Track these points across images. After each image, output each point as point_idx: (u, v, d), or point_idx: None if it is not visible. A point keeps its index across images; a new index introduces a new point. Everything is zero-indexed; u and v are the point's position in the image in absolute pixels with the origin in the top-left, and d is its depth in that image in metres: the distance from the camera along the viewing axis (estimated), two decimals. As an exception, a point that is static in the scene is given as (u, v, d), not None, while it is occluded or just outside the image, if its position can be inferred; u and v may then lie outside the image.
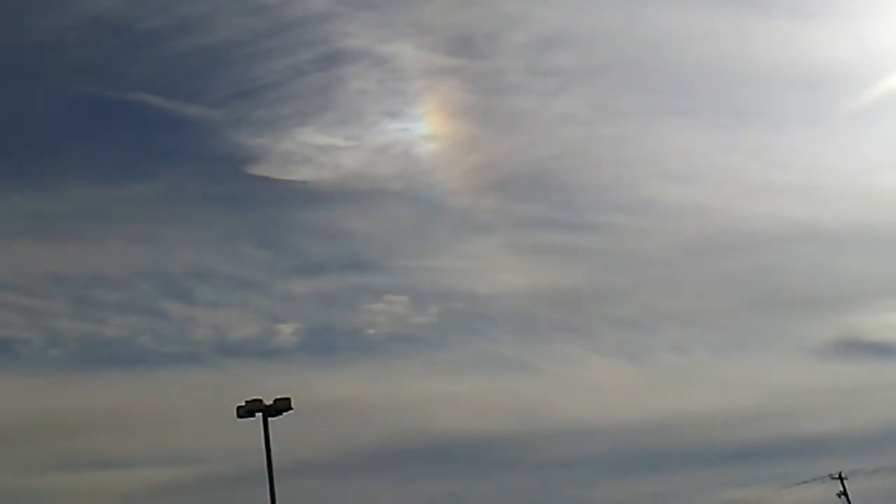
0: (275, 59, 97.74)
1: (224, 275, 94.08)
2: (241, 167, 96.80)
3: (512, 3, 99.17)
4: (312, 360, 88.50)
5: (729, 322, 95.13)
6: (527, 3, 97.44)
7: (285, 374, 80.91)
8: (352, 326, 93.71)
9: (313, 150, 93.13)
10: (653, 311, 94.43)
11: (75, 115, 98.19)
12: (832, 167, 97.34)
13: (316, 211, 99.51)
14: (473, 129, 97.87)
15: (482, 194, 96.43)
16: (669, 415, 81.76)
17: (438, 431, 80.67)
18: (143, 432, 74.13)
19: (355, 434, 77.06)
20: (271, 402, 33.07)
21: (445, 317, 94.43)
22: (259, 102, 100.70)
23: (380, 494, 73.82)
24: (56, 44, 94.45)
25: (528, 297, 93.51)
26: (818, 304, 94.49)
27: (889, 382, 79.36)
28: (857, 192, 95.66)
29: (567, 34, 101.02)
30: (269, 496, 32.24)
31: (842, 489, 68.84)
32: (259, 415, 32.98)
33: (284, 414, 33.17)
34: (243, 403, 33.09)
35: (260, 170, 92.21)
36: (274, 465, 32.60)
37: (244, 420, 33.12)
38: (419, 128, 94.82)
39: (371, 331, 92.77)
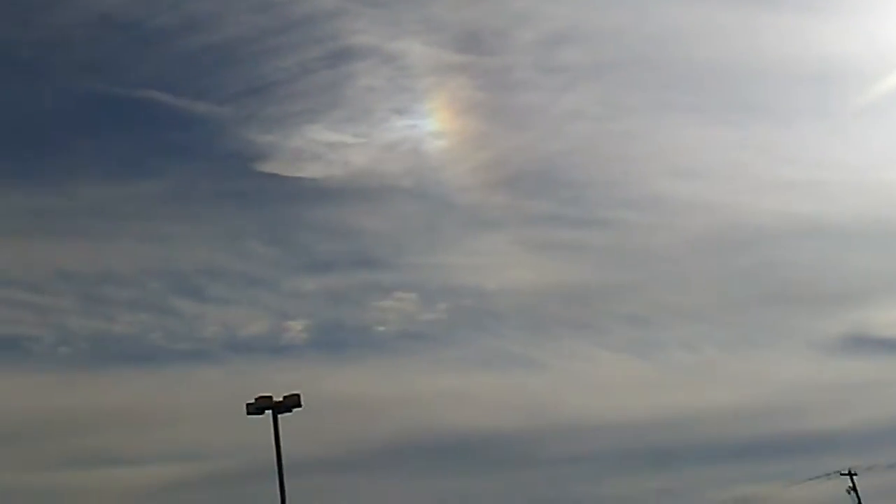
0: (283, 57, 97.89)
1: (233, 272, 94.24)
2: (250, 164, 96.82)
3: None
4: (322, 356, 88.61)
5: (738, 318, 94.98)
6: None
7: (295, 370, 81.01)
8: (361, 323, 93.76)
9: (322, 147, 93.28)
10: (661, 308, 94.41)
11: (84, 112, 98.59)
12: (841, 162, 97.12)
13: (325, 208, 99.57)
14: (482, 125, 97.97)
15: (491, 191, 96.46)
16: (678, 411, 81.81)
17: (447, 428, 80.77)
18: (153, 429, 74.39)
19: (365, 431, 77.19)
20: (281, 399, 33.16)
21: (454, 313, 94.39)
22: (268, 100, 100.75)
23: (389, 491, 73.97)
24: (64, 41, 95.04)
25: (536, 293, 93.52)
26: (827, 300, 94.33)
27: (899, 378, 79.40)
28: (866, 188, 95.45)
29: (575, 31, 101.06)
30: (278, 493, 32.34)
31: (851, 485, 68.72)
32: (269, 412, 33.10)
33: (294, 411, 33.28)
34: (253, 400, 33.19)
35: (269, 167, 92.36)
36: (283, 462, 32.72)
37: (254, 417, 33.24)
38: (428, 125, 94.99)
39: (380, 328, 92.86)
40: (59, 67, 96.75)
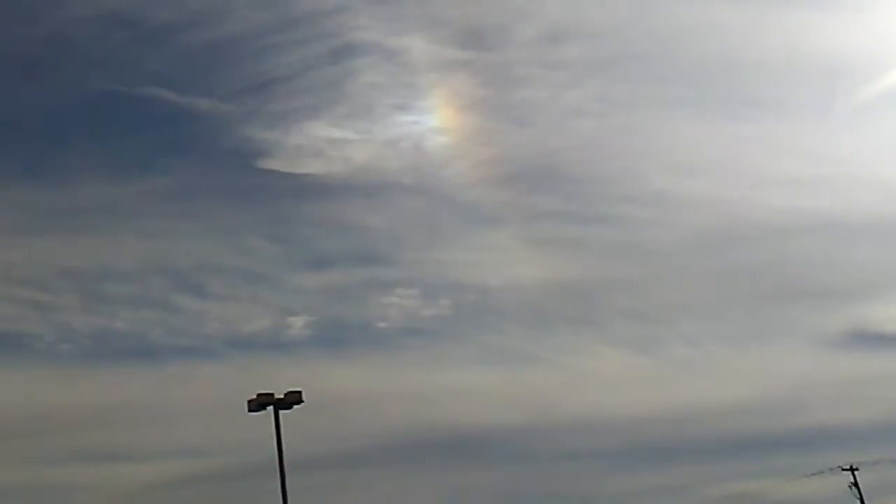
0: (286, 53, 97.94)
1: (235, 268, 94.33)
2: (252, 161, 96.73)
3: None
4: (323, 353, 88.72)
5: (739, 313, 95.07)
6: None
7: (296, 367, 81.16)
8: (363, 319, 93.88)
9: (324, 143, 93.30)
10: (663, 303, 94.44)
11: (86, 109, 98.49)
12: (844, 158, 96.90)
13: (327, 204, 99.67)
14: (484, 121, 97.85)
15: (492, 187, 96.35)
16: (680, 407, 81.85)
17: (449, 424, 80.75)
18: (155, 426, 74.38)
19: (366, 427, 77.17)
20: (282, 396, 33.11)
21: (456, 309, 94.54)
22: (270, 96, 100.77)
23: (391, 487, 74.06)
24: (67, 38, 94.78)
25: (538, 289, 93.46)
26: (829, 295, 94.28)
27: (900, 374, 79.38)
28: (870, 183, 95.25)
29: (577, 27, 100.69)
30: (280, 490, 32.35)
31: (853, 480, 68.78)
32: (270, 408, 33.03)
33: (295, 407, 33.21)
34: (254, 397, 33.14)
35: (271, 163, 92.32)
36: (285, 459, 32.69)
37: (255, 413, 33.17)
38: (430, 121, 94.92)
39: (382, 324, 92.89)
40: (62, 64, 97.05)
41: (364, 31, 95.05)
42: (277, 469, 32.55)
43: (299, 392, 33.24)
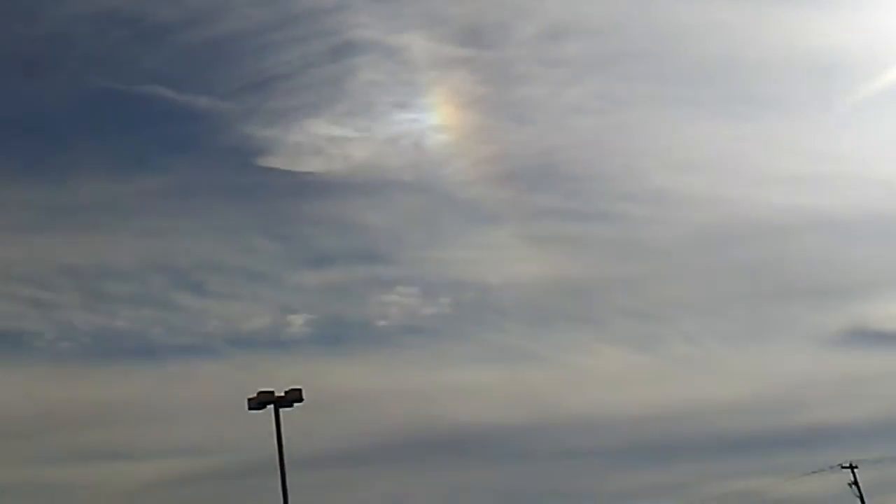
0: (285, 51, 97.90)
1: (235, 267, 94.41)
2: (252, 159, 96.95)
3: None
4: (324, 351, 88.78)
5: (739, 311, 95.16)
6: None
7: (296, 365, 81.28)
8: (363, 318, 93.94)
9: (324, 141, 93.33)
10: (663, 301, 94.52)
11: (86, 107, 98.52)
12: (843, 156, 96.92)
13: (326, 202, 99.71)
14: (484, 119, 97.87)
15: (492, 185, 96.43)
16: (680, 404, 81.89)
17: (449, 422, 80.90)
18: (155, 424, 74.46)
19: (366, 425, 77.24)
20: (283, 394, 33.13)
21: (456, 307, 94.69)
22: (270, 94, 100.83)
23: (391, 485, 74.16)
24: (67, 36, 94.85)
25: (538, 287, 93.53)
26: (828, 293, 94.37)
27: (900, 371, 79.35)
28: (869, 181, 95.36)
29: (577, 24, 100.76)
30: (280, 488, 32.37)
31: (853, 478, 68.78)
32: (270, 406, 33.05)
33: (296, 405, 33.22)
34: (255, 395, 33.16)
35: (271, 161, 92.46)
36: (285, 457, 32.69)
37: (256, 411, 33.21)
38: (429, 118, 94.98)
39: (382, 322, 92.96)
40: (62, 62, 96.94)
41: (364, 28, 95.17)
42: (278, 467, 32.56)
43: (300, 390, 33.25)
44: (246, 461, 64.90)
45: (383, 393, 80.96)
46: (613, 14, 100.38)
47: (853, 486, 68.66)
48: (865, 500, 68.26)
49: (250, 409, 33.25)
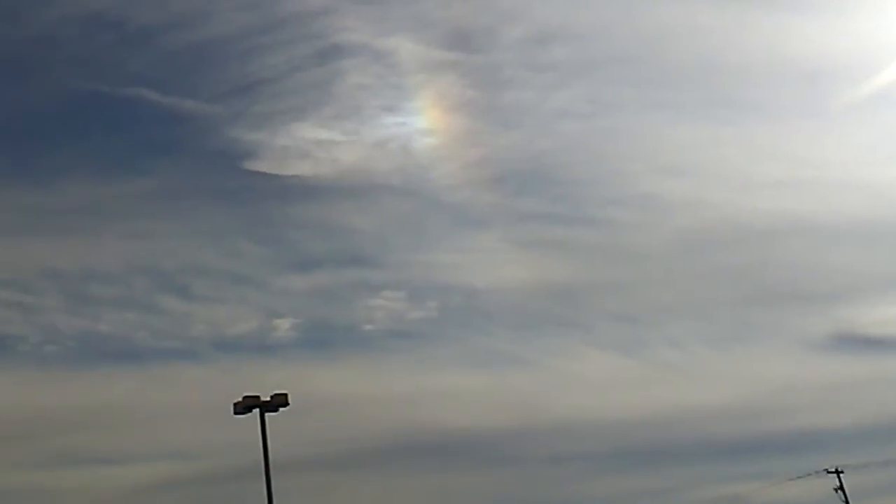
0: (272, 54, 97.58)
1: (221, 270, 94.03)
2: (239, 162, 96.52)
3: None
4: (310, 355, 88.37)
5: (725, 316, 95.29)
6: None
7: (282, 369, 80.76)
8: (349, 322, 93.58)
9: (311, 144, 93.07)
10: (649, 306, 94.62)
11: (71, 110, 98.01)
12: (828, 161, 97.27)
13: (313, 206, 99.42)
14: (471, 123, 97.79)
15: (480, 189, 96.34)
16: (666, 409, 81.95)
17: (436, 426, 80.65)
18: (140, 428, 74.04)
19: (353, 429, 76.95)
20: (268, 398, 33.02)
21: (443, 312, 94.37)
22: (256, 97, 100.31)
23: (377, 490, 73.98)
24: (52, 39, 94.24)
25: (525, 291, 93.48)
26: (814, 298, 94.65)
27: (886, 376, 79.57)
28: (855, 186, 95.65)
29: (564, 28, 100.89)
30: (265, 492, 32.22)
31: (839, 484, 68.96)
32: (256, 410, 32.92)
33: (281, 410, 33.13)
34: (240, 399, 33.04)
35: (257, 165, 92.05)
36: (271, 461, 32.56)
37: (241, 416, 33.09)
38: (417, 122, 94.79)
39: (368, 326, 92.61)
40: (47, 65, 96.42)
41: (351, 32, 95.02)
42: (263, 472, 32.44)
43: (285, 394, 33.15)
44: (231, 466, 64.62)
45: (369, 397, 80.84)
46: (600, 18, 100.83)
47: (839, 490, 68.88)
48: (851, 505, 68.57)
49: (236, 413, 33.13)
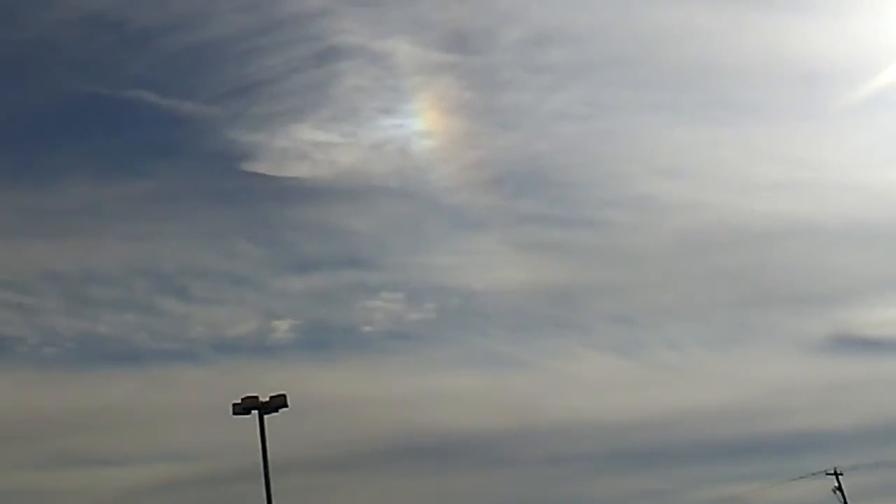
0: (270, 56, 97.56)
1: (219, 272, 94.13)
2: (237, 164, 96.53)
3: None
4: (308, 357, 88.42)
5: (723, 318, 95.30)
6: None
7: (281, 371, 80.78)
8: (347, 323, 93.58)
9: (309, 146, 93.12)
10: (648, 307, 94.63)
11: (71, 111, 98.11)
12: (826, 163, 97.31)
13: (311, 208, 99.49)
14: (469, 125, 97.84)
15: (477, 191, 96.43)
16: (664, 410, 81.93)
17: (434, 428, 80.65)
18: (139, 430, 74.07)
19: (351, 431, 77.05)
20: (267, 399, 33.06)
21: (441, 313, 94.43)
22: (254, 99, 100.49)
23: (376, 491, 74.03)
24: (52, 40, 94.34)
25: (523, 292, 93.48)
26: (812, 300, 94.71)
27: (883, 378, 79.61)
28: (852, 188, 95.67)
29: (562, 30, 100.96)
30: (264, 493, 32.26)
31: (837, 485, 69.01)
32: (255, 412, 32.97)
33: (280, 411, 33.16)
34: (239, 400, 33.08)
35: (255, 167, 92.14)
36: (270, 462, 32.62)
37: (240, 417, 33.13)
38: (415, 124, 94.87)
39: (367, 327, 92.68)
40: (46, 67, 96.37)
41: (348, 34, 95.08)
42: (262, 473, 32.49)
43: (284, 396, 33.18)
44: (230, 467, 64.63)
45: (368, 399, 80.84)
46: (598, 20, 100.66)
47: (837, 492, 68.93)
48: (849, 506, 68.61)
49: (235, 414, 33.16)
